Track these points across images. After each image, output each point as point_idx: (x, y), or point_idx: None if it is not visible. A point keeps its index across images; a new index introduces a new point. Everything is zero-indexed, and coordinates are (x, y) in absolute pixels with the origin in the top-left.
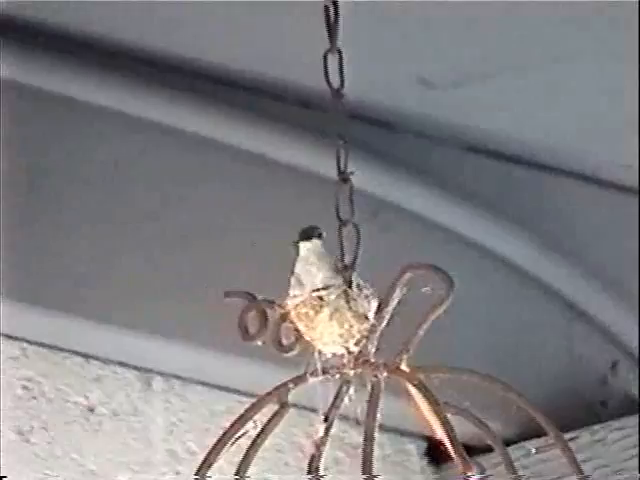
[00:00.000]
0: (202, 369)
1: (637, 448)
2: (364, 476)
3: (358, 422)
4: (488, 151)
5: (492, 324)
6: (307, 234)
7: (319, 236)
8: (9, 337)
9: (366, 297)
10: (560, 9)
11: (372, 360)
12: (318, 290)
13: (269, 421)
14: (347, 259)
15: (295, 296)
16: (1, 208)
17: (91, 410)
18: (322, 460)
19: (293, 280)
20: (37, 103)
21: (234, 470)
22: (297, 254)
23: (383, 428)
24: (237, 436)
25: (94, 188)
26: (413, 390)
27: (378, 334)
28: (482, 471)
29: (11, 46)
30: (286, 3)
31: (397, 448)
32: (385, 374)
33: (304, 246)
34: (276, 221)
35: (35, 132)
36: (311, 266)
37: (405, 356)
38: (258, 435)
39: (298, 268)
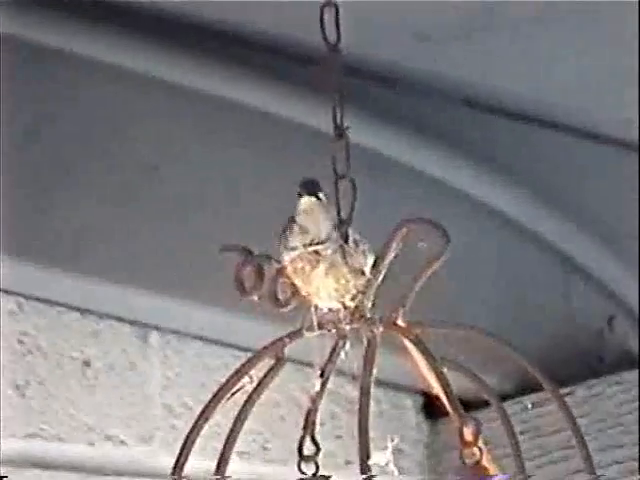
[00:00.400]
0: (198, 324)
1: (635, 403)
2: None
3: (354, 377)
4: (486, 105)
5: (489, 278)
6: (312, 188)
7: (321, 191)
8: (5, 291)
9: (362, 252)
10: None
11: (368, 315)
12: (314, 244)
13: (265, 376)
14: (343, 214)
15: (294, 248)
16: (0, 163)
17: (87, 364)
18: (318, 415)
19: (296, 229)
20: (35, 57)
21: (230, 424)
22: (299, 207)
23: (379, 383)
24: (233, 391)
25: (94, 144)
26: (409, 345)
27: (374, 289)
28: (478, 426)
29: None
30: None
31: (393, 403)
32: (381, 329)
33: (308, 200)
34: (273, 175)
35: (34, 87)
36: (317, 220)
37: (401, 311)
38: (254, 390)
39: (303, 220)
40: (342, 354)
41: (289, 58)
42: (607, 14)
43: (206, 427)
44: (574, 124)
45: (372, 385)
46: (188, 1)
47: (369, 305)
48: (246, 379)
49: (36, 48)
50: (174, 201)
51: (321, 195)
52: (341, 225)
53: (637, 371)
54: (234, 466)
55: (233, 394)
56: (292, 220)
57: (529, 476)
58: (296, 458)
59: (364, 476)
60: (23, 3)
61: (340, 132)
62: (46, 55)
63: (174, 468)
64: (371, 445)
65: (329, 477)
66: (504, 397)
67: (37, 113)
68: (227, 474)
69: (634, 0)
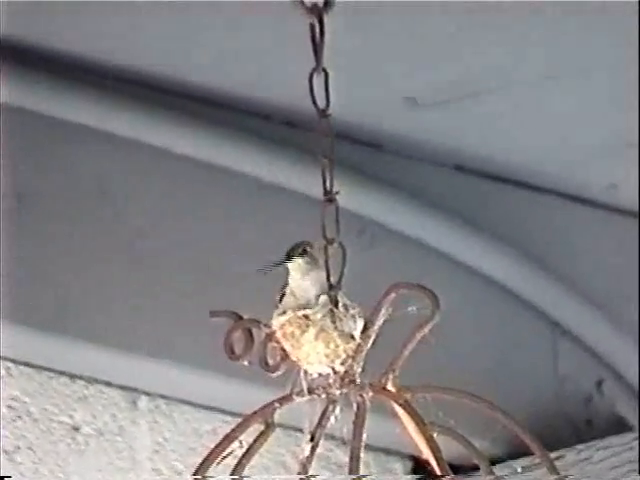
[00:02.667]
0: (188, 389)
1: (623, 467)
2: None
3: (344, 441)
4: (475, 170)
5: (478, 343)
6: (293, 252)
7: (304, 252)
8: None
9: (352, 316)
10: (548, 23)
11: (358, 380)
12: (304, 309)
13: (255, 441)
14: (333, 278)
15: (284, 312)
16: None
17: (77, 429)
18: None
19: (287, 294)
20: (27, 124)
21: None
22: (288, 270)
23: (369, 447)
24: (223, 455)
25: (82, 208)
26: (399, 410)
27: (364, 354)
28: None
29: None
30: (271, 22)
31: (383, 467)
32: (371, 394)
33: (292, 264)
34: (262, 240)
35: (24, 153)
36: (303, 284)
37: (391, 376)
38: (244, 455)
39: (292, 286)
40: (332, 419)
41: (279, 123)
42: (598, 74)
43: None
44: (565, 189)
45: (362, 449)
46: (180, 69)
47: (359, 370)
48: (236, 444)
49: (30, 115)
50: (163, 268)
51: (305, 258)
52: (331, 290)
53: (629, 435)
54: None
55: (223, 459)
56: (284, 285)
57: None
58: None
59: None
60: (17, 72)
61: (330, 197)
62: (40, 122)
63: None
64: None
65: None
66: (493, 461)
67: (27, 179)
68: None
69: (635, 53)
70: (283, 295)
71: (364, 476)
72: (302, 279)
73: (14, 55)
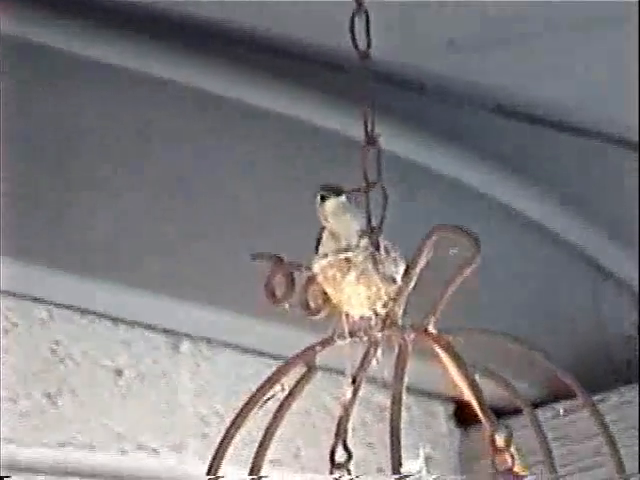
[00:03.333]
0: (230, 332)
1: None
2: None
3: (385, 384)
4: (516, 112)
5: (519, 285)
6: (331, 192)
7: (340, 193)
8: (37, 300)
9: (393, 259)
10: None
11: (399, 322)
12: (345, 251)
13: (296, 384)
14: (374, 221)
15: (326, 254)
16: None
17: (119, 373)
18: (349, 422)
19: (326, 235)
20: (65, 67)
21: (261, 433)
22: (325, 211)
23: (410, 390)
24: (265, 399)
25: (124, 157)
26: (441, 352)
27: (406, 296)
28: (510, 433)
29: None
30: None
31: (424, 410)
32: (413, 336)
33: (331, 205)
34: (303, 183)
35: (64, 95)
36: (345, 225)
37: (433, 318)
38: (286, 398)
39: (333, 228)
40: (373, 361)
41: (320, 65)
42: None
43: (238, 435)
44: (608, 133)
45: (403, 392)
46: (218, 9)
47: (400, 312)
48: (278, 387)
49: (69, 58)
50: (206, 212)
51: (343, 198)
52: (372, 232)
53: None
54: (266, 474)
55: (265, 402)
56: (323, 228)
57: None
58: (328, 465)
59: None
60: (60, 15)
61: (371, 139)
62: (56, 56)
63: (207, 476)
64: (403, 452)
65: None
66: (536, 404)
67: (72, 123)
68: None
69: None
70: (320, 239)
71: (406, 476)
72: (339, 220)
73: None
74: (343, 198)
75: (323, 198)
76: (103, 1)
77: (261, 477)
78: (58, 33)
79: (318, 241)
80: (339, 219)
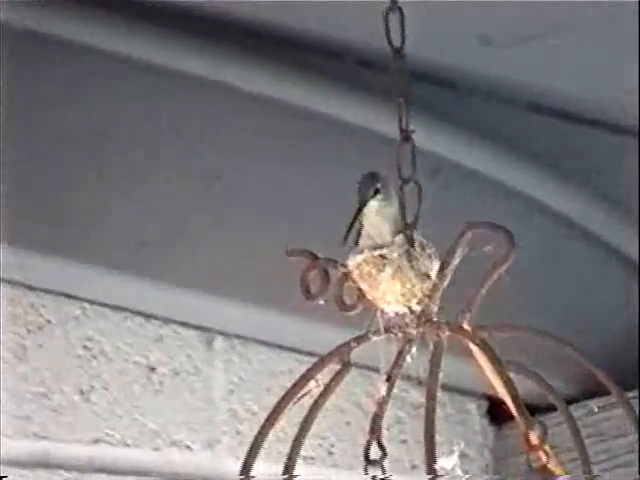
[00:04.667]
0: (263, 329)
1: None
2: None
3: (420, 382)
4: (549, 109)
5: (553, 282)
6: (367, 186)
7: (377, 191)
8: (70, 296)
9: (428, 256)
10: None
11: (434, 319)
12: (380, 248)
13: (331, 381)
14: (409, 218)
15: (362, 250)
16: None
17: (152, 370)
18: (384, 420)
19: (364, 232)
20: (104, 65)
21: (296, 430)
22: (361, 209)
23: (445, 387)
24: (299, 396)
25: (159, 152)
26: (475, 349)
27: (440, 293)
28: (544, 430)
29: None
30: None
31: (459, 407)
32: (447, 333)
33: (370, 201)
34: (337, 180)
35: (101, 93)
36: (380, 217)
37: (467, 315)
38: (320, 395)
39: (366, 222)
40: (408, 358)
41: (354, 62)
42: None
43: (271, 432)
44: None
45: (438, 389)
46: (255, 7)
47: (435, 309)
48: (312, 384)
49: (106, 56)
50: (238, 208)
51: (383, 192)
52: (407, 229)
53: None
54: (300, 470)
55: (299, 399)
56: (361, 224)
57: (595, 477)
58: (361, 463)
59: None
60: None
61: (406, 136)
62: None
63: (241, 472)
64: (437, 450)
65: None
66: (570, 401)
67: (108, 119)
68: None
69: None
70: (359, 236)
71: (440, 475)
72: (375, 216)
73: None
74: (378, 198)
75: (360, 190)
76: None
77: (293, 476)
78: (77, 25)
79: (358, 235)
80: (375, 217)
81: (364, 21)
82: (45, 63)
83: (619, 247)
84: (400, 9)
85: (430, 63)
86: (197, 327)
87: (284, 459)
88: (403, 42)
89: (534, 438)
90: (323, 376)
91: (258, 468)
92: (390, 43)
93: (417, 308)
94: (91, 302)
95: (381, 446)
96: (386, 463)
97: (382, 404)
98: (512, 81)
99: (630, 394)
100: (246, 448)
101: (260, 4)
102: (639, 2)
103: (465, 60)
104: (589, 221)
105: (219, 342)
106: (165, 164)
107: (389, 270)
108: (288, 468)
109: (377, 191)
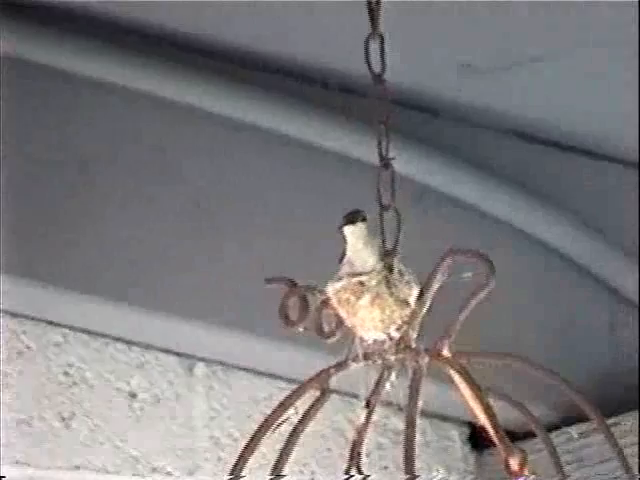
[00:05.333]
0: (244, 355)
1: None
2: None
3: (400, 408)
4: (531, 136)
5: (534, 309)
6: (351, 218)
7: (363, 220)
8: (51, 323)
9: (407, 282)
10: None
11: (413, 346)
12: (359, 275)
13: (310, 407)
14: (388, 244)
15: (340, 277)
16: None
17: (133, 396)
18: (364, 446)
19: (345, 261)
20: (90, 93)
21: (276, 456)
22: (345, 239)
23: (425, 414)
24: (279, 422)
25: (142, 179)
26: (455, 376)
27: (419, 319)
28: (524, 457)
29: (13, 22)
30: None
31: (439, 434)
32: (427, 360)
33: (349, 230)
34: (317, 207)
35: (86, 120)
36: (361, 251)
37: (447, 342)
38: (300, 421)
39: (349, 253)
40: (387, 385)
41: (334, 88)
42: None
43: (252, 459)
44: (623, 155)
45: (418, 416)
46: (232, 32)
47: (414, 336)
48: (291, 411)
49: (90, 84)
50: (220, 232)
51: (360, 224)
52: (386, 256)
53: None
54: None
55: (279, 426)
56: (343, 253)
57: None
58: None
59: None
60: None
61: (386, 163)
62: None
63: None
64: (418, 476)
65: None
66: (550, 427)
67: (93, 146)
68: None
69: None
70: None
71: (417, 476)
72: (363, 247)
73: (68, 18)
74: (359, 225)
75: (342, 224)
76: (113, 22)
77: None
78: (64, 53)
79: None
80: (354, 246)
81: (345, 47)
82: (32, 91)
83: (602, 274)
84: (381, 36)
85: (412, 90)
86: (178, 353)
87: None
88: (384, 69)
89: (514, 464)
90: (303, 403)
91: None
92: (371, 69)
93: (396, 335)
94: (72, 329)
95: (360, 472)
96: None
97: (361, 430)
98: (495, 108)
99: (610, 420)
100: (227, 475)
101: (241, 32)
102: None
103: (447, 87)
104: (572, 248)
105: (200, 368)
106: (147, 189)
107: (368, 297)
108: None
109: (364, 219)
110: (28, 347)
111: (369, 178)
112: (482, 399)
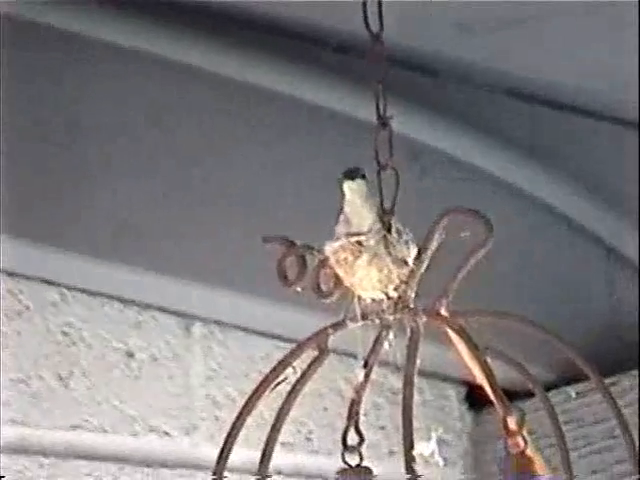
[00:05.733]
0: (242, 315)
1: None
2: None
3: (398, 367)
4: (527, 95)
5: (532, 268)
6: (351, 174)
7: (363, 177)
8: (49, 283)
9: (405, 242)
10: None
11: (411, 305)
12: (357, 235)
13: (308, 367)
14: (386, 204)
15: (338, 238)
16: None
17: (130, 356)
18: (362, 405)
19: (342, 218)
20: (78, 50)
21: (274, 415)
22: (343, 194)
23: (423, 373)
24: (277, 382)
25: (137, 137)
26: (453, 335)
27: (417, 279)
28: (522, 416)
29: None
30: None
31: (437, 393)
32: (424, 319)
33: (349, 187)
34: (316, 165)
35: (76, 79)
36: (359, 208)
37: (444, 301)
38: (297, 381)
39: (347, 209)
40: (385, 344)
41: (331, 48)
42: None
43: (250, 418)
44: (620, 114)
45: (415, 375)
46: None
47: (412, 295)
48: (289, 370)
49: (80, 41)
50: (217, 194)
51: (360, 181)
52: (384, 215)
53: None
54: (278, 457)
55: (277, 385)
56: (340, 210)
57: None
58: (340, 448)
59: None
60: None
61: (383, 122)
62: (79, 42)
63: (219, 459)
64: (415, 435)
65: (371, 470)
66: (548, 387)
67: (82, 107)
68: (271, 465)
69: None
70: (337, 220)
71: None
72: (361, 205)
73: None
74: (359, 181)
75: (341, 181)
76: None
77: (266, 477)
78: (64, 14)
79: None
80: (353, 202)
81: (342, 7)
82: (26, 51)
83: (600, 233)
84: None
85: (410, 49)
86: (176, 313)
87: (262, 445)
88: (381, 28)
89: (512, 424)
90: (301, 362)
91: (236, 454)
92: (368, 29)
93: (394, 294)
94: (70, 288)
95: (359, 432)
96: (364, 449)
97: (359, 390)
98: (493, 67)
99: (608, 380)
100: (224, 434)
101: None
102: None
103: (445, 46)
104: (570, 208)
105: (198, 328)
106: (144, 151)
107: (366, 257)
108: (265, 454)
109: (364, 176)
110: (26, 307)
111: (367, 137)
112: (479, 358)
